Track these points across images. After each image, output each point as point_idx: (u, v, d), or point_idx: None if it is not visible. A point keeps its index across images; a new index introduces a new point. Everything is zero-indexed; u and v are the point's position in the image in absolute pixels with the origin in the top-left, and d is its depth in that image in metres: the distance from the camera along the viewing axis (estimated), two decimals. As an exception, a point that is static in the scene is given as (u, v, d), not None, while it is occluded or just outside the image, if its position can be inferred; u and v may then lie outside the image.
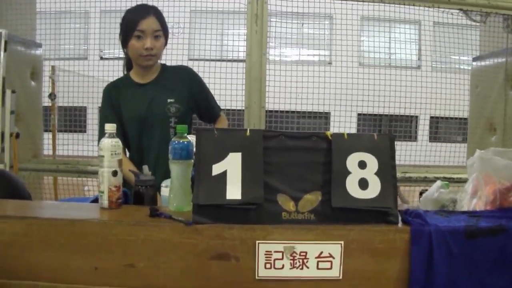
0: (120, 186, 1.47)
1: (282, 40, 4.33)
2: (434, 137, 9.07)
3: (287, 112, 4.15)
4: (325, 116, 4.98)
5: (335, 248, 1.36)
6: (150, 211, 1.40)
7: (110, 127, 1.47)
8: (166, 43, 2.06)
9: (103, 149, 1.45)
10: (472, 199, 1.78)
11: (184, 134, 1.48)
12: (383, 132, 1.54)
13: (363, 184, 1.40)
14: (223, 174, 1.36)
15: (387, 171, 1.43)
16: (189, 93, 2.12)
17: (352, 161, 1.42)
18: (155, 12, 2.00)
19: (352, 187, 1.40)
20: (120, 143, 1.47)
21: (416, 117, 7.68)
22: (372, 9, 3.52)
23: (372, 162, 1.43)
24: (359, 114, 4.46)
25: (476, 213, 1.60)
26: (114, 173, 1.45)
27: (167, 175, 1.86)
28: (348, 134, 1.44)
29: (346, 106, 3.84)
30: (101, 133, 2.10)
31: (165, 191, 1.64)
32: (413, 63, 8.82)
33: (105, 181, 1.45)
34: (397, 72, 3.90)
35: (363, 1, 2.84)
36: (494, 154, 1.85)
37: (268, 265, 1.34)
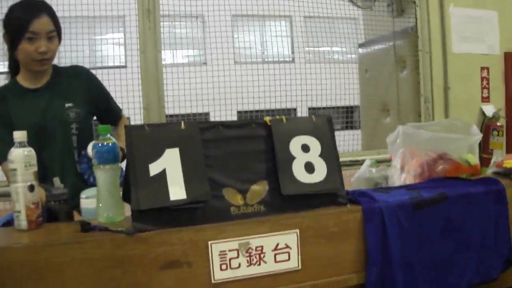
0: (39, 202, 1.47)
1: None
2: None
3: (170, 116, 4.22)
4: (205, 118, 5.16)
5: (291, 238, 1.48)
6: (81, 225, 1.43)
7: (20, 135, 1.48)
8: (59, 43, 2.01)
9: (15, 161, 1.44)
10: (401, 174, 2.01)
11: (107, 135, 1.48)
12: (320, 115, 1.69)
13: (309, 168, 1.57)
14: (162, 173, 1.42)
15: (330, 152, 1.62)
16: (88, 95, 2.13)
17: (295, 145, 1.58)
18: (48, 10, 1.99)
19: (299, 172, 1.55)
20: (33, 152, 1.43)
21: (295, 109, 8.22)
22: (244, 5, 3.75)
23: (315, 145, 1.60)
24: (238, 112, 4.65)
25: (411, 186, 1.88)
26: (31, 188, 1.46)
27: (76, 186, 1.80)
28: (287, 118, 1.58)
29: (226, 105, 4.01)
30: None
31: (86, 202, 1.66)
32: (287, 57, 9.43)
33: (21, 199, 1.45)
34: (272, 67, 4.20)
35: None
36: (415, 129, 2.12)
37: (223, 266, 1.43)
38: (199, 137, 1.50)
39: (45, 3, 2.01)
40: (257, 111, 4.64)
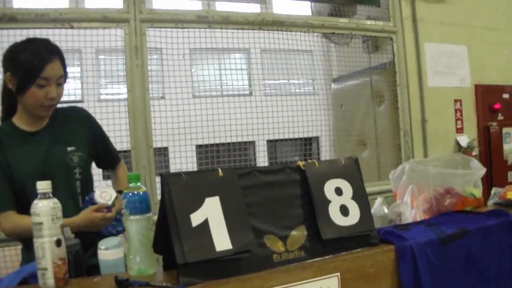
0: (65, 257, 1.40)
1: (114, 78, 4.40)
2: (274, 160, 10.01)
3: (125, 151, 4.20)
4: (164, 152, 5.14)
5: (332, 282, 1.51)
6: (117, 282, 1.37)
7: (44, 186, 1.41)
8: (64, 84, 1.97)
9: (40, 214, 1.39)
10: (412, 210, 2.06)
11: (138, 183, 1.45)
12: (347, 156, 1.72)
13: (344, 210, 1.60)
14: (205, 223, 1.40)
15: (361, 193, 1.66)
16: (88, 138, 2.10)
17: (329, 188, 1.62)
18: (59, 54, 1.92)
19: (335, 215, 1.58)
20: (59, 204, 1.39)
21: (253, 142, 8.31)
22: (201, 40, 3.79)
23: (347, 187, 1.65)
24: (198, 146, 4.65)
25: (429, 221, 1.92)
26: (58, 243, 1.40)
27: (81, 236, 1.73)
28: (319, 162, 1.60)
29: (185, 140, 4.00)
30: None
31: (106, 254, 1.60)
32: (245, 90, 9.57)
33: (48, 254, 1.38)
34: (230, 100, 4.25)
35: (188, 28, 3.02)
36: (420, 165, 2.19)
37: None
38: (238, 184, 1.49)
39: (56, 47, 1.95)
40: (216, 144, 4.66)
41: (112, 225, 2.02)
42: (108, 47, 3.12)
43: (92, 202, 1.99)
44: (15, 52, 1.90)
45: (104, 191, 1.96)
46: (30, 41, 1.93)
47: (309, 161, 1.64)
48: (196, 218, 1.41)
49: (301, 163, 1.62)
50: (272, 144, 9.57)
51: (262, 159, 8.04)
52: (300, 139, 5.15)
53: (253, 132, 4.04)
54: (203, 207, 1.43)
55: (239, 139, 4.12)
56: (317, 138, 5.02)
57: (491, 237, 1.89)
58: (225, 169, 1.51)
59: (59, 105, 2.06)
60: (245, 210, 1.47)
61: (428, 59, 3.59)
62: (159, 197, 2.83)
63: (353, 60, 3.79)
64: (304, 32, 3.22)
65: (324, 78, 4.35)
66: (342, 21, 3.30)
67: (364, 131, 3.98)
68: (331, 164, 1.69)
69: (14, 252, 2.86)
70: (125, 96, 2.91)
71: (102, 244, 1.62)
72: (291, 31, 3.20)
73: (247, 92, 9.06)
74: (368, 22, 3.44)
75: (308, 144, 5.96)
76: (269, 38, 3.77)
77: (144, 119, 2.79)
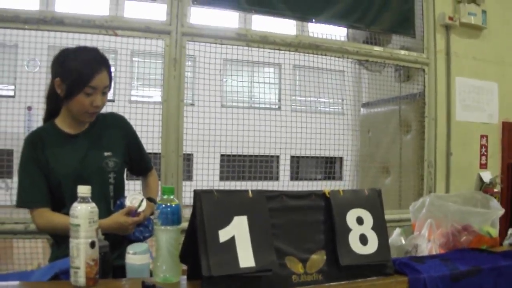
0: (97, 259, 1.51)
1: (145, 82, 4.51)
2: (295, 176, 10.07)
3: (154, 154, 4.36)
4: (188, 158, 5.25)
5: (357, 307, 1.56)
6: (143, 286, 1.46)
7: (85, 190, 1.51)
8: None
9: (79, 217, 1.49)
10: (428, 243, 2.14)
11: (171, 196, 1.56)
12: (371, 188, 1.81)
13: (363, 239, 1.69)
14: (232, 240, 1.50)
15: (381, 225, 1.74)
16: (124, 144, 2.22)
17: (351, 217, 1.71)
18: (107, 64, 2.04)
19: (354, 243, 1.67)
20: (97, 208, 1.50)
21: (278, 156, 8.43)
22: (235, 51, 3.88)
23: (368, 217, 1.73)
24: (221, 155, 4.74)
25: (444, 256, 1.98)
26: (92, 245, 1.50)
27: (109, 237, 1.82)
28: (343, 191, 1.68)
29: (209, 148, 4.10)
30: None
31: (133, 259, 1.71)
32: (274, 103, 9.68)
33: (82, 255, 1.48)
34: (258, 112, 4.30)
35: (226, 44, 3.13)
36: (442, 200, 2.27)
37: None
38: (266, 206, 1.59)
39: (105, 57, 2.07)
40: (240, 155, 4.74)
41: (139, 231, 2.13)
42: (143, 50, 3.26)
43: (123, 206, 2.11)
44: (66, 58, 2.03)
45: (134, 198, 2.08)
46: (81, 50, 2.06)
47: (335, 190, 1.74)
48: (224, 235, 1.51)
49: (326, 191, 1.71)
50: (296, 160, 9.70)
51: (284, 173, 8.14)
52: (324, 157, 5.23)
53: (278, 146, 4.12)
54: (231, 225, 1.53)
55: (264, 152, 4.20)
56: (340, 159, 5.10)
57: (504, 277, 1.95)
58: (254, 191, 1.61)
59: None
60: (270, 231, 1.57)
61: (458, 93, 3.66)
62: (185, 204, 2.96)
63: (384, 87, 3.87)
64: (339, 57, 3.32)
65: (352, 100, 4.43)
66: (377, 49, 3.39)
67: (389, 158, 4.05)
68: (355, 194, 1.78)
69: (41, 244, 3.00)
70: (156, 99, 3.03)
71: (131, 249, 1.73)
72: (326, 55, 3.30)
73: (275, 106, 9.17)
74: (402, 52, 3.53)
75: (331, 163, 6.04)
76: (303, 55, 3.85)
77: (176, 129, 2.92)
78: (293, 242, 1.62)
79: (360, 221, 1.73)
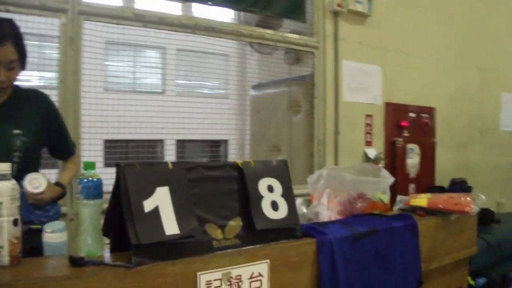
0: (20, 236, 1.54)
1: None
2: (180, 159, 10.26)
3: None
4: None
5: (263, 267, 1.78)
6: (71, 260, 1.52)
7: (6, 167, 1.53)
8: (24, 68, 2.05)
9: (1, 195, 1.50)
10: (328, 211, 2.39)
11: (93, 171, 1.64)
12: (279, 159, 2.02)
13: (275, 206, 1.90)
14: (156, 210, 1.63)
15: (289, 192, 1.95)
16: (42, 125, 2.17)
17: (262, 186, 1.90)
18: (14, 36, 1.98)
19: (267, 209, 1.87)
20: (18, 185, 1.55)
21: (162, 141, 8.51)
22: (119, 34, 3.91)
23: (277, 186, 1.94)
24: (106, 141, 4.76)
25: (344, 221, 2.24)
26: (15, 222, 1.52)
27: None
28: (254, 162, 1.87)
29: (95, 134, 4.11)
30: None
31: (51, 237, 1.76)
32: (158, 88, 9.68)
33: (5, 233, 1.50)
34: (142, 97, 4.37)
35: (123, 25, 3.17)
36: (337, 171, 2.54)
37: None
38: (185, 177, 1.72)
39: (12, 26, 2.01)
40: (125, 140, 4.77)
41: (36, 214, 2.08)
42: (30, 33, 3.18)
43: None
44: None
45: (34, 178, 2.01)
46: None
47: (246, 161, 1.91)
48: (148, 205, 1.62)
49: (239, 162, 1.88)
50: (181, 144, 9.82)
51: (170, 158, 8.25)
52: (209, 141, 5.39)
53: (163, 130, 4.18)
54: (154, 195, 1.64)
55: (149, 137, 4.25)
56: (225, 142, 5.30)
57: (397, 236, 2.26)
58: (174, 163, 1.74)
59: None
60: (190, 200, 1.71)
61: (345, 75, 4.00)
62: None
63: (275, 70, 4.12)
64: (234, 39, 3.49)
65: (237, 83, 4.60)
66: (269, 32, 3.61)
67: (280, 137, 4.31)
68: (265, 165, 1.97)
69: None
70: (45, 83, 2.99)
71: (48, 227, 1.77)
72: (220, 37, 3.45)
73: (159, 90, 9.19)
74: (293, 36, 3.77)
75: (216, 146, 6.24)
76: (188, 38, 3.94)
77: (74, 110, 2.92)
78: (211, 210, 1.77)
79: (270, 189, 1.92)
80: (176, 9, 3.63)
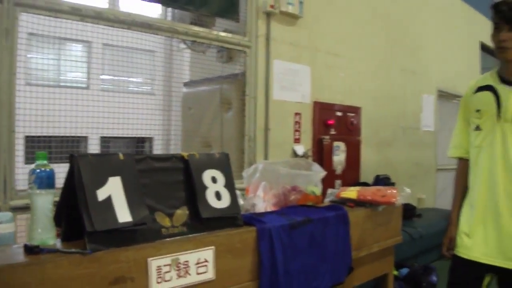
0: None
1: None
2: None
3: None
4: None
5: (209, 253, 1.97)
6: (26, 248, 1.64)
7: None
8: None
9: None
10: (264, 203, 2.61)
11: (45, 161, 1.76)
12: (221, 152, 2.21)
13: (218, 195, 2.09)
14: (109, 198, 1.78)
15: (231, 183, 2.15)
16: None
17: (206, 177, 2.07)
18: None
19: (211, 199, 2.05)
20: None
21: (86, 137, 8.46)
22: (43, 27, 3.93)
23: (220, 177, 2.13)
24: (27, 137, 4.79)
25: (280, 212, 2.46)
26: None
27: None
28: (199, 154, 2.06)
29: (16, 128, 4.13)
30: None
31: (1, 228, 1.84)
32: (82, 82, 9.58)
33: None
34: (66, 91, 4.39)
35: (61, 18, 3.24)
36: (272, 165, 2.76)
37: (159, 280, 1.84)
38: (135, 168, 1.88)
39: None
40: (46, 136, 4.76)
41: None
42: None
43: None
44: None
45: None
46: None
47: (191, 153, 2.09)
48: (101, 194, 1.77)
49: (184, 154, 2.06)
50: (106, 141, 9.77)
51: (92, 154, 8.22)
52: (135, 138, 5.49)
53: (87, 126, 4.20)
54: (107, 185, 1.79)
55: (71, 133, 4.25)
56: (150, 139, 5.41)
57: (330, 226, 2.51)
58: (125, 154, 1.89)
59: None
60: (141, 189, 1.87)
61: (275, 74, 4.23)
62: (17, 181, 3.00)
63: (207, 67, 4.30)
64: (169, 37, 3.63)
65: (165, 80, 4.71)
66: (204, 31, 3.78)
67: (211, 134, 4.49)
68: (208, 157, 2.16)
69: None
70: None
71: None
72: (157, 34, 3.58)
73: (84, 85, 9.11)
74: (227, 35, 3.96)
75: (142, 143, 6.31)
76: (113, 33, 4.00)
77: (8, 104, 2.95)
78: (160, 199, 1.94)
79: (214, 180, 2.12)
80: (101, 3, 3.68)
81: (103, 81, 7.47)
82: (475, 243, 2.24)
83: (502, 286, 2.26)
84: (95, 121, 4.12)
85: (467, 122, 2.36)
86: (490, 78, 2.27)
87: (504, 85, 2.18)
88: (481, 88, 2.28)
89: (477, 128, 2.25)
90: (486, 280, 2.26)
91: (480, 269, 2.23)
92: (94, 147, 8.02)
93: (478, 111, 2.25)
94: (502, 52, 2.13)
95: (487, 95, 2.23)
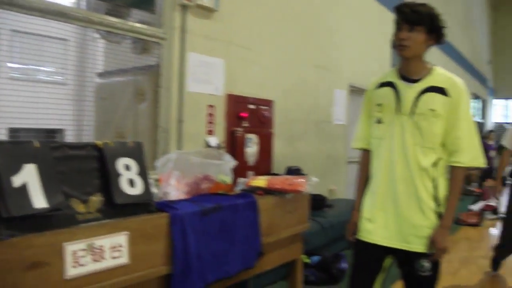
0: None
1: None
2: None
3: None
4: None
5: (123, 239, 2.10)
6: None
7: None
8: None
9: None
10: (176, 191, 2.76)
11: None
12: (135, 141, 2.34)
13: (132, 183, 2.21)
14: (24, 185, 1.87)
15: (144, 171, 2.29)
16: None
17: (120, 165, 2.18)
18: None
19: (125, 186, 2.17)
20: None
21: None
22: None
23: (134, 165, 2.25)
24: None
25: (191, 199, 2.64)
26: None
27: None
28: (114, 142, 2.18)
29: None
30: None
31: None
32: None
33: None
34: None
35: None
36: (185, 155, 2.90)
37: (74, 264, 1.96)
38: (51, 155, 1.97)
39: None
40: None
41: None
42: None
43: None
44: None
45: None
46: None
47: (106, 141, 2.20)
48: (16, 180, 1.85)
49: (99, 143, 2.17)
50: (15, 131, 9.50)
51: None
52: (45, 129, 5.42)
53: None
54: (23, 172, 1.88)
55: None
56: (61, 131, 5.37)
57: (239, 212, 2.70)
58: (41, 141, 1.98)
59: None
60: (56, 176, 1.96)
61: (190, 67, 4.35)
62: None
63: (121, 58, 4.35)
64: (84, 26, 3.67)
65: (77, 70, 4.69)
66: (119, 21, 3.83)
67: (125, 124, 4.54)
68: (122, 146, 2.28)
69: None
70: None
71: None
72: (71, 23, 3.60)
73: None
74: (143, 26, 4.04)
75: (52, 135, 6.23)
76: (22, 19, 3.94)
77: None
78: (75, 186, 2.05)
79: (127, 167, 2.24)
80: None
81: (12, 69, 7.28)
82: (376, 227, 2.44)
83: (402, 267, 2.46)
84: (3, 111, 4.06)
85: (369, 115, 2.57)
86: (391, 75, 2.50)
87: (403, 82, 2.43)
88: (382, 84, 2.50)
89: (379, 121, 2.47)
90: (387, 262, 2.48)
91: (381, 251, 2.44)
92: (1, 138, 7.83)
93: (379, 105, 2.48)
94: (401, 50, 2.36)
95: (388, 90, 2.46)
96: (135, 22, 4.04)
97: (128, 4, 4.07)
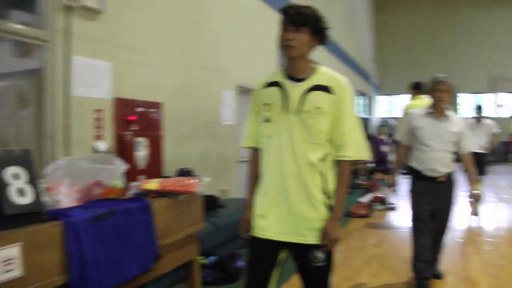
0: None
1: None
2: None
3: None
4: None
5: (15, 250, 2.09)
6: None
7: None
8: None
9: None
10: (68, 199, 2.75)
11: None
12: (23, 148, 2.32)
13: (21, 192, 2.20)
14: None
15: (35, 179, 2.29)
16: None
17: (7, 174, 2.17)
18: None
19: (14, 196, 2.17)
20: None
21: None
22: None
23: (23, 173, 2.25)
24: None
25: (83, 206, 2.68)
26: None
27: None
28: (2, 150, 2.17)
29: None
30: None
31: None
32: None
33: None
34: None
35: None
36: (74, 161, 2.90)
37: None
38: None
39: None
40: None
41: None
42: None
43: None
44: None
45: None
46: None
47: (-6, 150, 2.18)
48: None
49: (-14, 151, 2.15)
50: None
51: None
52: None
53: None
54: None
55: None
56: None
57: (133, 216, 2.76)
58: None
59: None
60: None
61: (75, 70, 4.29)
62: None
63: (1, 62, 4.20)
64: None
65: None
66: (-4, 23, 3.71)
67: (8, 132, 4.39)
68: (9, 154, 2.27)
69: None
70: None
71: None
72: None
73: None
74: (24, 28, 3.92)
75: None
76: None
77: None
78: (-38, 198, 2.01)
79: (16, 176, 2.23)
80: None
81: None
82: (269, 223, 2.55)
83: (297, 260, 2.59)
84: None
85: (257, 115, 2.67)
86: (278, 75, 2.63)
87: (290, 81, 2.56)
88: (269, 84, 2.62)
89: (267, 120, 2.58)
90: (282, 256, 2.59)
91: (275, 246, 2.55)
92: None
93: (267, 104, 2.59)
94: (287, 50, 2.50)
95: (275, 90, 2.58)
96: (16, 23, 3.93)
97: (9, 5, 3.94)
